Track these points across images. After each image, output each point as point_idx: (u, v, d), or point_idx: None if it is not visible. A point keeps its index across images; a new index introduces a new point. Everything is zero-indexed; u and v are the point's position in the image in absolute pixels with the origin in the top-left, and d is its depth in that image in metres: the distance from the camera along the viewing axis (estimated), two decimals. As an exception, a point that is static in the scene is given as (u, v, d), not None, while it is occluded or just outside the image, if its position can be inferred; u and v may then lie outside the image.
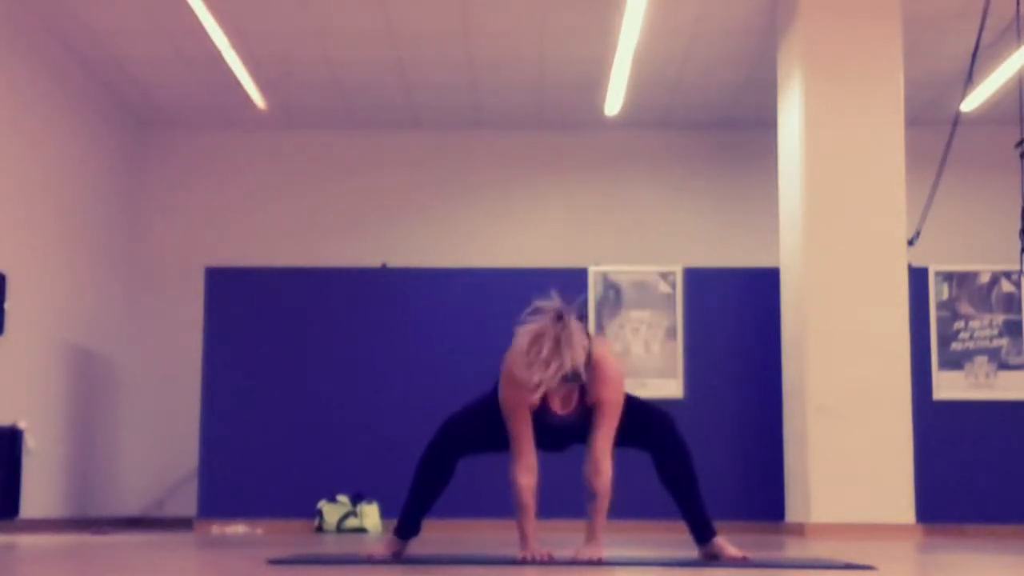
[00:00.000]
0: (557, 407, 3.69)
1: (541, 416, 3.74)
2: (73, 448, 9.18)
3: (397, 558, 3.97)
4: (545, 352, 3.53)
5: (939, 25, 8.48)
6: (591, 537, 3.82)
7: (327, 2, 8.17)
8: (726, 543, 3.99)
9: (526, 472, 3.77)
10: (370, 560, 3.90)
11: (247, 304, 8.70)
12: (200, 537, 6.96)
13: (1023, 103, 6.92)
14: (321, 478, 8.44)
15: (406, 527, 4.02)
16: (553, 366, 3.53)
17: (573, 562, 3.69)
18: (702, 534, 4.00)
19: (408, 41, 8.81)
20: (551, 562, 3.67)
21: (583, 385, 3.69)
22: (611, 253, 9.84)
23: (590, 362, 3.65)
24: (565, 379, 3.57)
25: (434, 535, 6.12)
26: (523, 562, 3.70)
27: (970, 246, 10.02)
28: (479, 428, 3.93)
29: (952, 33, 8.53)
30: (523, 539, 3.80)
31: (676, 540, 6.00)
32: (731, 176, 10.55)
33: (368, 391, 8.58)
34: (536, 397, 3.66)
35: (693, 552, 4.08)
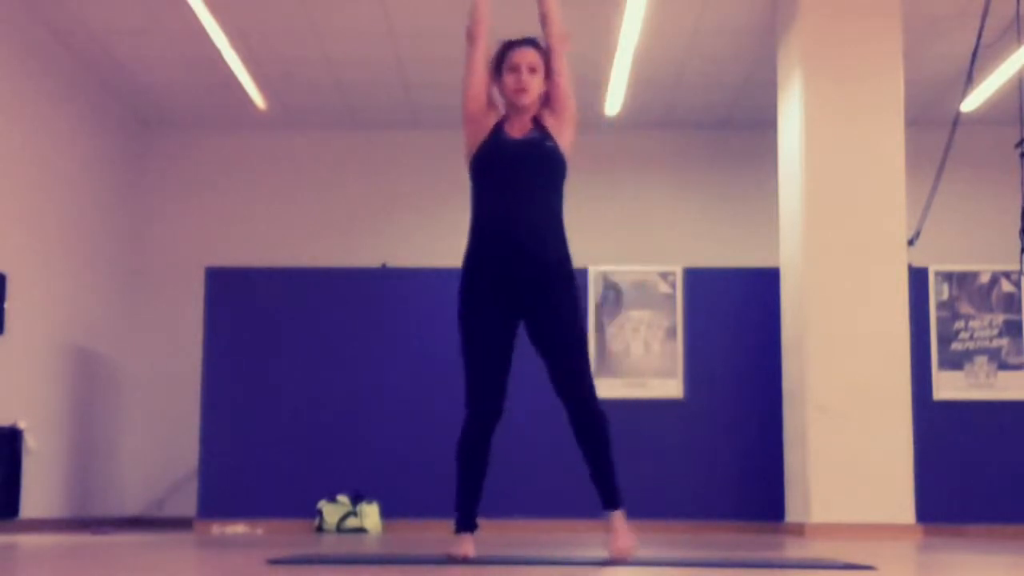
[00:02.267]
0: (514, 132, 4.06)
1: (496, 138, 4.07)
2: (73, 448, 9.17)
3: (467, 560, 3.92)
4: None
5: (939, 25, 8.48)
6: None
7: (327, 2, 8.17)
8: (623, 526, 3.98)
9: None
10: (450, 560, 3.88)
11: (247, 304, 8.70)
12: (200, 537, 6.96)
13: (1023, 103, 6.93)
14: (321, 478, 8.43)
15: (462, 520, 4.03)
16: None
17: (571, 562, 3.68)
18: (606, 500, 4.03)
19: (408, 41, 8.81)
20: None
21: (536, 117, 4.12)
22: (611, 253, 9.84)
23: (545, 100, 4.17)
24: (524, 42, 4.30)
25: (436, 535, 6.13)
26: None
27: (970, 246, 10.01)
28: (480, 349, 3.99)
29: (952, 33, 8.53)
30: None
31: (678, 540, 6.00)
32: (731, 176, 10.55)
33: (368, 391, 8.57)
34: (492, 119, 4.09)
35: (696, 552, 4.06)
